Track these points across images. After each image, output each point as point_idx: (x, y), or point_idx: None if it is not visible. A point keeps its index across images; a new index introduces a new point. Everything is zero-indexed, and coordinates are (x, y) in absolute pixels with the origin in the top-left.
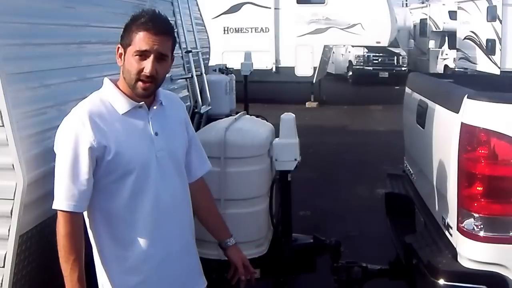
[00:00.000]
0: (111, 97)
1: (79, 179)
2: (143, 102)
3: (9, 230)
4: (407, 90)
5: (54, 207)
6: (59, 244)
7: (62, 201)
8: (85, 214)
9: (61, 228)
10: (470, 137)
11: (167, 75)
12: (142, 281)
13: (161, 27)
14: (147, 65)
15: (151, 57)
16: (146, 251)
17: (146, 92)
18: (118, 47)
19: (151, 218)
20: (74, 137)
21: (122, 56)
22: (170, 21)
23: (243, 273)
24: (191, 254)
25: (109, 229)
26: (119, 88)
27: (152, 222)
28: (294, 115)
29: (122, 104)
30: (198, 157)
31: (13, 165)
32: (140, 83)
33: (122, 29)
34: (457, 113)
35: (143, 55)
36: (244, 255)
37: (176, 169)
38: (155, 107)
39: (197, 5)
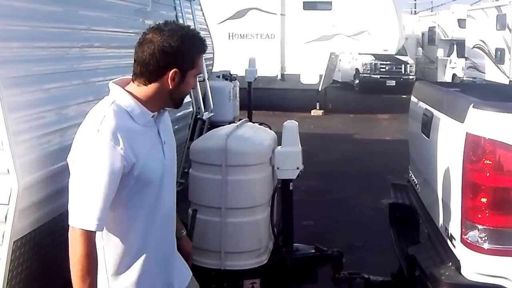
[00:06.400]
0: (129, 107)
1: (108, 198)
2: (156, 112)
3: (3, 235)
4: (413, 99)
5: (79, 226)
6: (77, 263)
7: (89, 220)
8: None
9: (81, 247)
10: (475, 147)
11: None
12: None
13: None
14: (196, 81)
15: None
16: (155, 255)
17: None
18: (176, 71)
19: (160, 224)
20: (107, 155)
21: (177, 79)
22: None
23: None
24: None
25: (123, 237)
26: (135, 97)
27: (160, 228)
28: (296, 122)
29: (142, 115)
30: None
31: (8, 170)
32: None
33: (173, 52)
34: (462, 122)
35: None
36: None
37: (174, 175)
38: (160, 115)
39: (202, 10)
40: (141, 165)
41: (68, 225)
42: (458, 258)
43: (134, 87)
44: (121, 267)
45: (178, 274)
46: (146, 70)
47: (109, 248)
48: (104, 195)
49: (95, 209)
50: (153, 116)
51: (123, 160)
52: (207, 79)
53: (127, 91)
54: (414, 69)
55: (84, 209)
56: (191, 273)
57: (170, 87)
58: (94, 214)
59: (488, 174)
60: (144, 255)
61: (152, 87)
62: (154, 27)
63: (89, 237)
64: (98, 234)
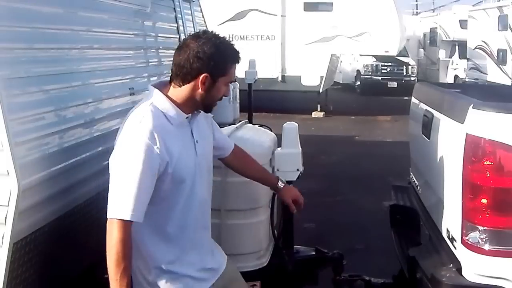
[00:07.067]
0: (164, 109)
1: (146, 192)
2: (190, 114)
3: (3, 237)
4: (414, 100)
5: (115, 216)
6: (113, 249)
7: (125, 211)
8: None
9: (116, 233)
10: (475, 148)
11: None
12: (185, 269)
13: None
14: (228, 89)
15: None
16: (190, 242)
17: None
18: (206, 76)
19: (196, 216)
20: (144, 152)
21: (208, 83)
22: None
23: (294, 209)
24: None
25: (160, 227)
26: (170, 99)
27: (196, 219)
28: (296, 124)
29: (176, 116)
30: (223, 136)
31: (7, 171)
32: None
33: (206, 58)
34: (462, 123)
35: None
36: (296, 191)
37: (208, 169)
38: (194, 116)
39: (201, 11)
40: (175, 163)
41: (69, 226)
42: (459, 260)
43: (170, 88)
44: (158, 253)
45: (214, 261)
46: (180, 73)
47: (148, 235)
48: (140, 189)
49: (130, 201)
50: (187, 118)
51: (159, 158)
52: None
53: (164, 94)
54: (415, 71)
55: (120, 200)
56: (225, 261)
57: (201, 90)
58: (129, 205)
59: (488, 175)
60: (179, 242)
61: (185, 89)
62: (194, 34)
63: (124, 226)
64: (137, 223)
